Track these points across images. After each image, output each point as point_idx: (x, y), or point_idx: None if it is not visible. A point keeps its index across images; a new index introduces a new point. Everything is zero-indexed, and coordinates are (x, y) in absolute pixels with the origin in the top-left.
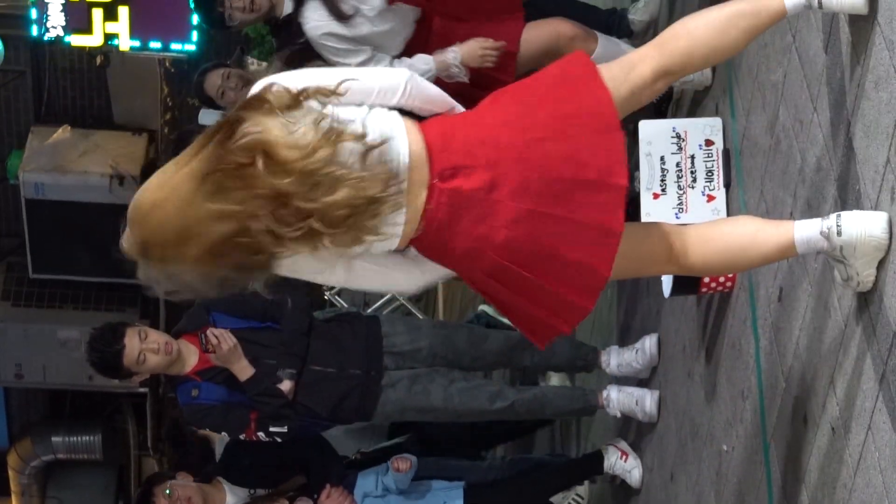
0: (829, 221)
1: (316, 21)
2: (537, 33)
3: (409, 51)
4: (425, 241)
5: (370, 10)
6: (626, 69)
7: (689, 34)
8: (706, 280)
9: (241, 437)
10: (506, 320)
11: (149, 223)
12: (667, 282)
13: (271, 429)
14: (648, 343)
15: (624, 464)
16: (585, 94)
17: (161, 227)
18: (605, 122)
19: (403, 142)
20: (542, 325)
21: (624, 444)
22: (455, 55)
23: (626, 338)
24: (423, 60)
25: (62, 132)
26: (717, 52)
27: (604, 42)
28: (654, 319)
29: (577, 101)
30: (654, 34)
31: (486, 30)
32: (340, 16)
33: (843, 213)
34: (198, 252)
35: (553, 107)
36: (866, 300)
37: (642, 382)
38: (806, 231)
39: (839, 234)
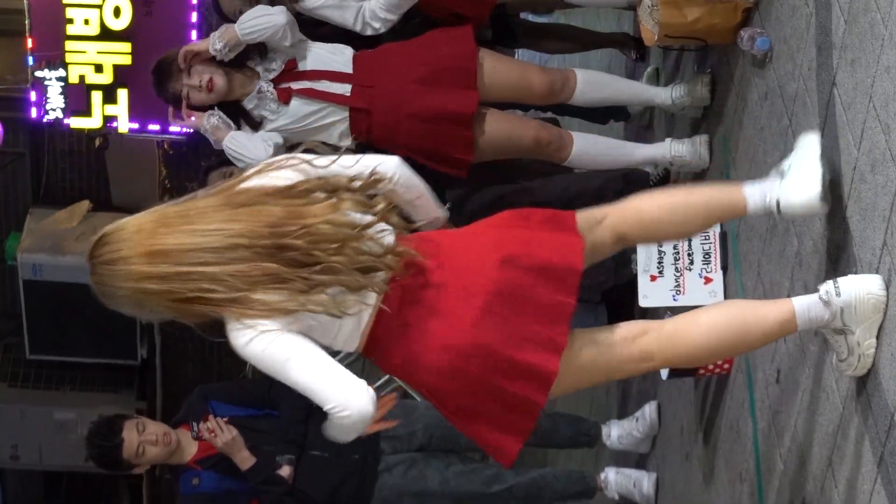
0: (827, 286)
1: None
2: (512, 126)
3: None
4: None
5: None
6: (591, 223)
7: (649, 214)
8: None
9: None
10: None
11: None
12: None
13: None
14: (648, 410)
15: None
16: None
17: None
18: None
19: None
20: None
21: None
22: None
23: (624, 414)
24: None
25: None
26: (676, 234)
27: (580, 141)
28: (652, 401)
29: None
30: (650, 118)
31: (440, 96)
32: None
33: (839, 278)
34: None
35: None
36: (864, 382)
37: (640, 463)
38: (805, 300)
39: (838, 294)
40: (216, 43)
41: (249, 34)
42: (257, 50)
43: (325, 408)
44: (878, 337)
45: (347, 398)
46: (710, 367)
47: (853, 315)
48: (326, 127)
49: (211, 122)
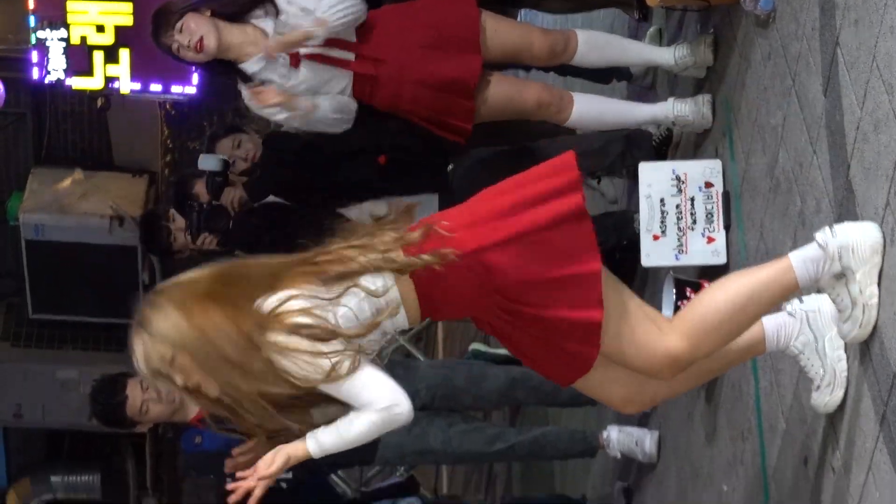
0: (822, 233)
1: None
2: (513, 90)
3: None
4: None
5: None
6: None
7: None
8: None
9: None
10: (502, 350)
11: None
12: (667, 310)
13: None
14: (649, 443)
15: None
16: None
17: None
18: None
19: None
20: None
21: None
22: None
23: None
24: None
25: (74, 176)
26: None
27: (582, 102)
28: None
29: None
30: (653, 78)
31: (444, 62)
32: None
33: (835, 224)
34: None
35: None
36: (866, 341)
37: (642, 422)
38: (801, 252)
39: (834, 235)
40: (316, 34)
41: (342, 22)
42: (267, 9)
43: (380, 406)
44: (879, 286)
45: (400, 396)
46: None
47: (851, 256)
48: (331, 90)
49: (305, 104)
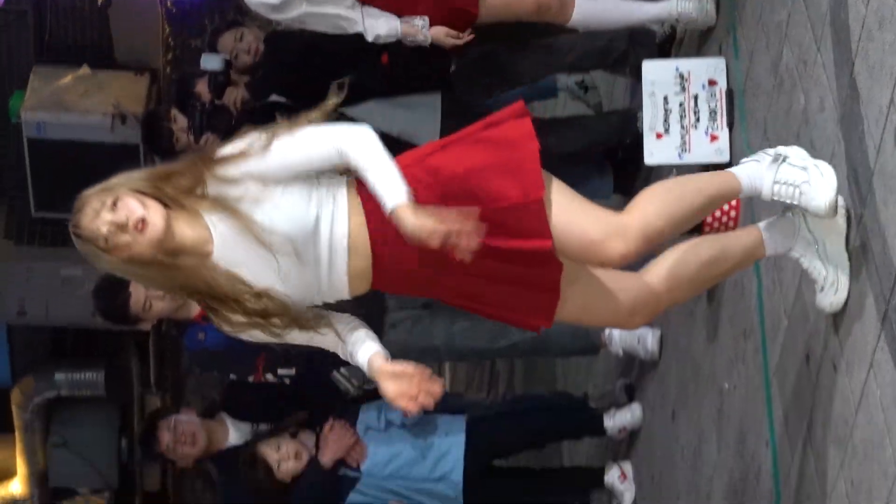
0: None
1: None
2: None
3: None
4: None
5: None
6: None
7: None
8: (709, 219)
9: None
10: None
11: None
12: None
13: (280, 371)
14: (651, 340)
15: (620, 484)
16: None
17: None
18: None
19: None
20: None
21: (627, 467)
22: (423, 23)
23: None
24: (388, 23)
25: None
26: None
27: (583, 1)
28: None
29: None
30: None
31: None
32: None
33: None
34: None
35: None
36: (869, 240)
37: (645, 365)
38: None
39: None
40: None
41: None
42: None
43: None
44: (883, 204)
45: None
46: (715, 224)
47: (817, 224)
48: None
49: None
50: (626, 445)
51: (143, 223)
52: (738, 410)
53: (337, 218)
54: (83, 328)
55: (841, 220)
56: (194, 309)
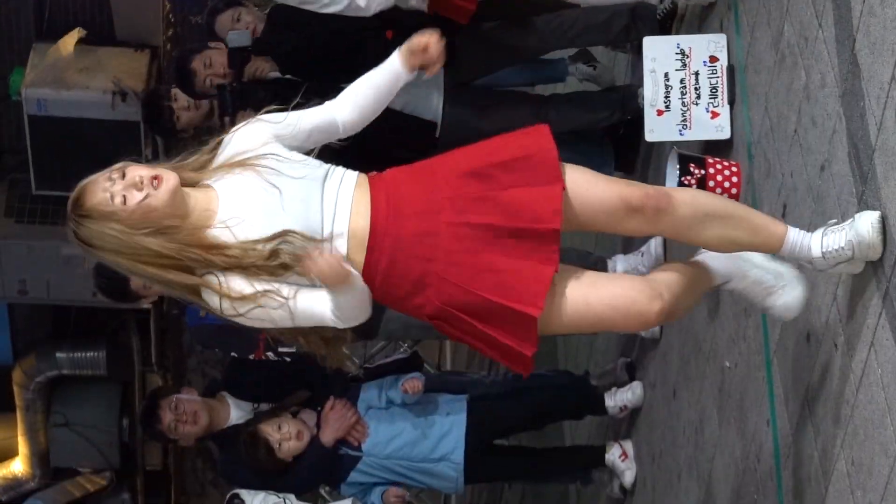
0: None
1: None
2: None
3: None
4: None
5: None
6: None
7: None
8: (711, 184)
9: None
10: None
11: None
12: (671, 182)
13: (280, 349)
14: (654, 244)
15: (621, 463)
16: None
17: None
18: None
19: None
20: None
21: (628, 445)
22: None
23: (629, 250)
24: None
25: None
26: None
27: None
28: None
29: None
30: None
31: None
32: None
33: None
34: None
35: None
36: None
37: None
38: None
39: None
40: None
41: None
42: None
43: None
44: (883, 181)
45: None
46: (718, 190)
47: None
48: None
49: None
50: (627, 424)
51: (157, 178)
52: (739, 389)
53: (345, 177)
54: (84, 307)
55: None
56: None
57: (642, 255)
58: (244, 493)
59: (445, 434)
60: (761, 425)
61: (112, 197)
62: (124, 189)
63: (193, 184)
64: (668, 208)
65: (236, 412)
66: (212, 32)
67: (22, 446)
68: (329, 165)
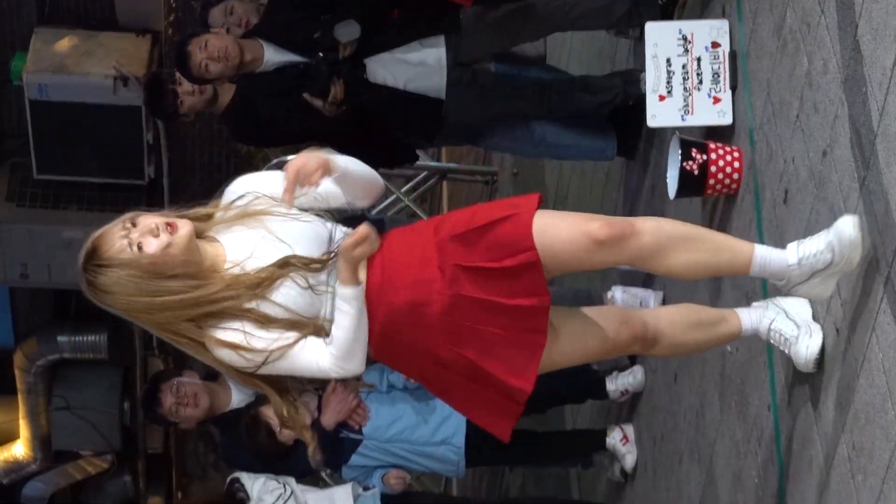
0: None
1: None
2: None
3: None
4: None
5: None
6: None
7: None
8: (711, 182)
9: None
10: None
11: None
12: (671, 182)
13: None
14: (653, 301)
15: (622, 447)
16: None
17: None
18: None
19: None
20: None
21: (629, 429)
22: None
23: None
24: None
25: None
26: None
27: None
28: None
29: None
30: None
31: None
32: None
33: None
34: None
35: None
36: (871, 203)
37: (647, 282)
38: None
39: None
40: None
41: None
42: None
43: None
44: (885, 166)
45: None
46: (718, 186)
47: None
48: None
49: None
50: (628, 408)
51: (171, 225)
52: (740, 373)
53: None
54: None
55: (807, 305)
56: None
57: (640, 305)
58: (245, 477)
59: (446, 418)
60: (762, 410)
61: (130, 245)
62: (140, 237)
63: (199, 234)
64: (631, 236)
65: (238, 396)
66: (205, 25)
67: (23, 429)
68: (332, 224)
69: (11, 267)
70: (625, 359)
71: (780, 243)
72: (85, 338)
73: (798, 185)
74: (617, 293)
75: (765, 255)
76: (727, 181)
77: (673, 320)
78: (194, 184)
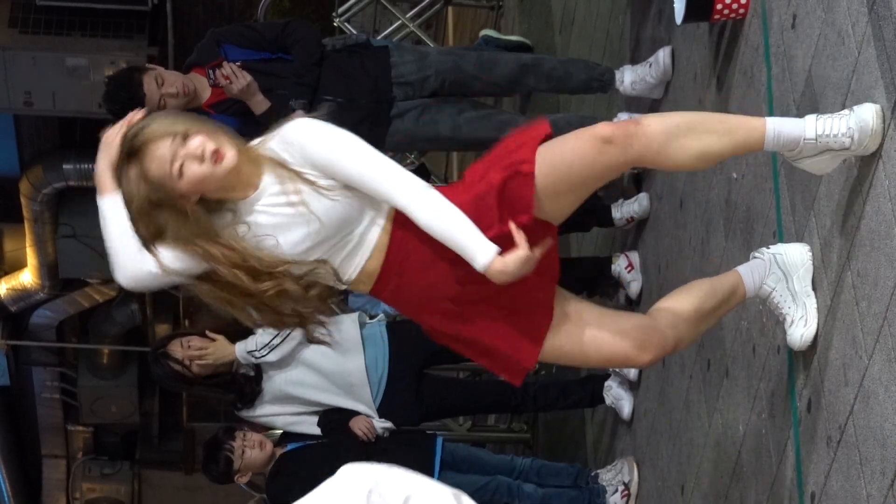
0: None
1: None
2: None
3: None
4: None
5: None
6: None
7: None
8: (719, 7)
9: None
10: (514, 37)
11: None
12: (679, 7)
13: None
14: (662, 55)
15: (627, 274)
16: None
17: None
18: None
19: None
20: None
21: (634, 257)
22: None
23: (638, 61)
24: None
25: None
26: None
27: None
28: (666, 46)
29: None
30: None
31: None
32: None
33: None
34: None
35: None
36: (880, 25)
37: (654, 107)
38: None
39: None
40: None
41: None
42: None
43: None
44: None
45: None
46: (726, 11)
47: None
48: None
49: None
50: (633, 235)
51: (217, 154)
52: (746, 200)
53: (376, 220)
54: (90, 118)
55: (808, 260)
56: (202, 99)
57: (650, 66)
58: None
59: None
60: (767, 237)
61: (174, 160)
62: (185, 156)
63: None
64: (637, 131)
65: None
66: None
67: (31, 257)
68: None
69: (15, 94)
70: (631, 185)
71: (789, 69)
72: (90, 165)
73: (806, 10)
74: (623, 118)
75: (777, 127)
76: (734, 6)
77: (689, 318)
78: (198, 9)
